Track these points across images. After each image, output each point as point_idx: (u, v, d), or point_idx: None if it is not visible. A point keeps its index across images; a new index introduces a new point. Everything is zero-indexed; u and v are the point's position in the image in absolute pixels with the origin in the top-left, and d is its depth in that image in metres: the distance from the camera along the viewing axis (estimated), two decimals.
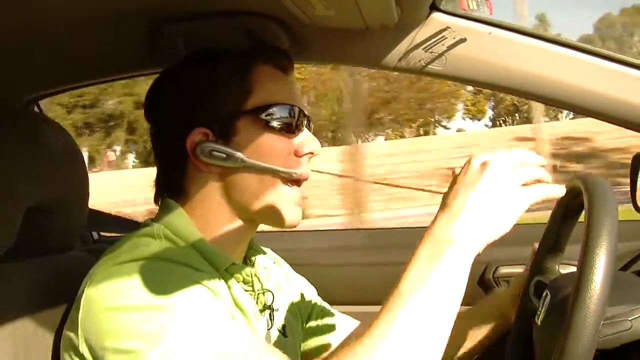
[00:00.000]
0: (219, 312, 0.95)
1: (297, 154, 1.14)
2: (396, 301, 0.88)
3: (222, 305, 0.98)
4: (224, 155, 1.08)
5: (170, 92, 1.16)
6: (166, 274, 0.96)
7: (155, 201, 1.19)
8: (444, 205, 0.94)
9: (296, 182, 1.14)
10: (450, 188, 0.95)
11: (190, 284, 0.95)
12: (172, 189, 1.16)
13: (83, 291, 0.98)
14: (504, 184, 0.93)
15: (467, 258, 0.91)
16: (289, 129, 1.12)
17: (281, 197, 1.11)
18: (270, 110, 1.11)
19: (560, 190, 0.98)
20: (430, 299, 0.88)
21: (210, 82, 1.12)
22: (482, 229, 0.91)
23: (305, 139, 1.15)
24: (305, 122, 1.16)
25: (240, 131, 1.10)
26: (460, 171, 0.96)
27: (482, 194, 0.92)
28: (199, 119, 1.10)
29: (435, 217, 0.94)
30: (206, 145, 1.08)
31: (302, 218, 1.16)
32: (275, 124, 1.11)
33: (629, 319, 1.02)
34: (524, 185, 0.94)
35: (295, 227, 1.16)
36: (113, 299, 0.93)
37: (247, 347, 0.93)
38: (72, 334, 0.98)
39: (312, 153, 1.15)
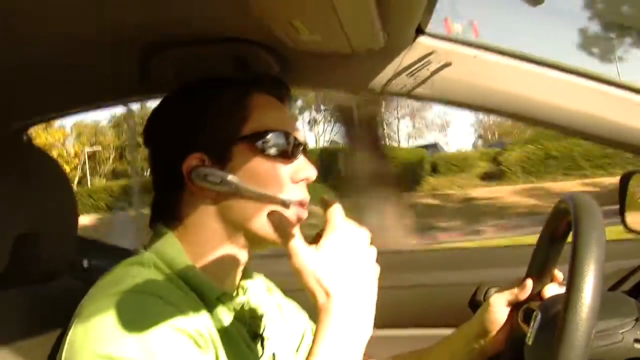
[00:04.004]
0: None
1: (293, 181, 1.14)
2: None
3: (201, 355, 0.97)
4: (219, 180, 1.08)
5: (168, 117, 1.17)
6: (149, 316, 0.94)
7: (151, 227, 1.19)
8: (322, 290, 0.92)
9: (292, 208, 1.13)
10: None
11: (173, 331, 0.94)
12: (167, 215, 1.16)
13: (70, 327, 0.98)
14: (370, 259, 0.96)
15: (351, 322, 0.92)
16: (285, 155, 1.13)
17: None
18: (266, 137, 1.11)
19: None
20: None
21: (208, 108, 1.13)
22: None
23: (300, 165, 1.15)
24: (300, 149, 1.16)
25: (236, 157, 1.10)
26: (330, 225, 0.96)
27: (356, 272, 0.93)
28: (195, 144, 1.10)
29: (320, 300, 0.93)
30: (201, 170, 1.08)
31: None
32: (270, 150, 1.11)
33: (620, 331, 1.04)
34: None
35: None
36: (94, 344, 0.92)
37: None
38: None
39: (307, 179, 1.16)
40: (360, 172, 8.80)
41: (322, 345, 0.89)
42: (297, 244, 0.92)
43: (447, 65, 1.29)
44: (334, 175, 15.55)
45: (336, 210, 0.96)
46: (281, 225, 0.95)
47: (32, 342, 1.12)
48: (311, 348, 0.90)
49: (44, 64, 1.28)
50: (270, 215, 0.99)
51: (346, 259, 0.92)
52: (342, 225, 0.95)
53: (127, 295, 0.96)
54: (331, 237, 0.93)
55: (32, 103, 1.53)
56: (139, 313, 0.94)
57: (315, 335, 0.91)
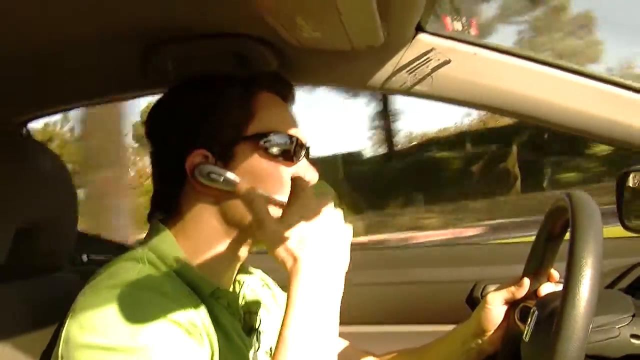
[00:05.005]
0: (192, 355, 0.95)
1: None
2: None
3: (196, 346, 0.98)
4: (221, 179, 1.08)
5: (173, 112, 1.17)
6: (143, 307, 0.95)
7: (149, 222, 1.19)
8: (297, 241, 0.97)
9: None
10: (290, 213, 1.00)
11: (167, 322, 0.95)
12: (167, 210, 1.16)
13: (65, 322, 0.99)
14: (338, 222, 1.02)
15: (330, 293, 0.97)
16: (288, 157, 1.13)
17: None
18: (270, 137, 1.12)
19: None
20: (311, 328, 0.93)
21: (213, 105, 1.13)
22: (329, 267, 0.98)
23: (302, 168, 1.16)
24: (303, 152, 1.17)
25: (239, 155, 1.11)
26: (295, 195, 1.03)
27: (325, 231, 0.99)
28: (200, 140, 1.11)
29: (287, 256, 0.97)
30: (205, 167, 1.09)
31: None
32: (274, 151, 1.12)
33: (617, 327, 1.05)
34: None
35: None
36: (89, 336, 0.93)
37: None
38: None
39: (308, 182, 1.16)
40: None
41: (295, 307, 0.93)
42: (263, 216, 0.99)
43: (447, 62, 1.30)
44: None
45: (299, 182, 1.04)
46: (253, 202, 1.01)
47: (31, 336, 1.13)
48: (285, 312, 0.93)
49: (45, 59, 1.28)
50: (243, 195, 1.04)
51: (311, 222, 0.98)
52: (304, 194, 1.02)
53: (120, 289, 0.97)
54: (294, 205, 1.01)
55: (33, 98, 1.53)
56: (131, 305, 0.95)
57: (287, 299, 0.94)
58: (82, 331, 0.94)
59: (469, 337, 1.33)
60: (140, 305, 0.95)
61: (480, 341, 1.32)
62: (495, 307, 1.29)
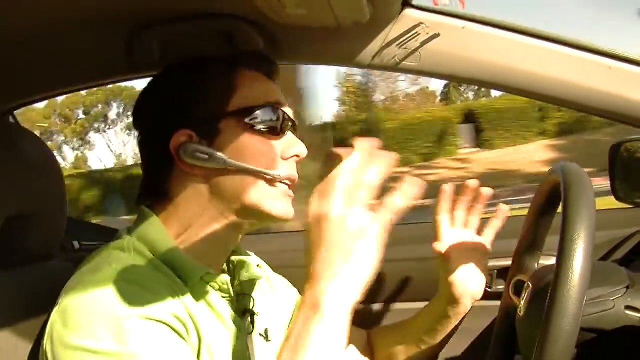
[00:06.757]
0: (177, 352, 0.95)
1: (283, 157, 1.14)
2: None
3: (180, 342, 0.97)
4: (207, 156, 1.08)
5: (155, 96, 1.17)
6: (127, 305, 0.93)
7: (138, 207, 1.18)
8: (312, 268, 0.86)
9: (281, 184, 1.13)
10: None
11: (152, 321, 0.94)
12: (156, 194, 1.16)
13: (50, 317, 0.99)
14: (359, 231, 0.86)
15: (341, 316, 0.85)
16: (273, 131, 1.13)
17: (265, 195, 1.11)
18: (254, 112, 1.11)
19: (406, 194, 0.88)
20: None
21: (195, 85, 1.13)
22: (348, 288, 0.85)
23: (290, 141, 1.15)
24: (290, 125, 1.16)
25: (224, 133, 1.10)
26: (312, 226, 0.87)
27: (342, 252, 0.85)
28: (183, 121, 1.10)
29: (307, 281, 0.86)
30: (189, 146, 1.08)
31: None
32: (258, 126, 1.11)
33: (611, 299, 1.06)
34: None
35: (287, 220, 1.14)
36: (75, 337, 0.92)
37: None
38: (41, 357, 0.99)
39: (297, 156, 1.16)
40: None
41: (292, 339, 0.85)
42: None
43: (436, 36, 1.28)
44: None
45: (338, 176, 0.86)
46: None
47: (24, 325, 1.12)
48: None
49: (30, 45, 1.27)
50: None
51: (335, 238, 0.85)
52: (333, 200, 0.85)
53: (103, 285, 0.96)
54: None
55: (19, 85, 1.52)
56: (114, 303, 0.93)
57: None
58: (67, 330, 0.93)
59: (444, 308, 1.37)
60: (122, 303, 0.94)
61: (456, 306, 1.36)
62: (457, 272, 1.34)
